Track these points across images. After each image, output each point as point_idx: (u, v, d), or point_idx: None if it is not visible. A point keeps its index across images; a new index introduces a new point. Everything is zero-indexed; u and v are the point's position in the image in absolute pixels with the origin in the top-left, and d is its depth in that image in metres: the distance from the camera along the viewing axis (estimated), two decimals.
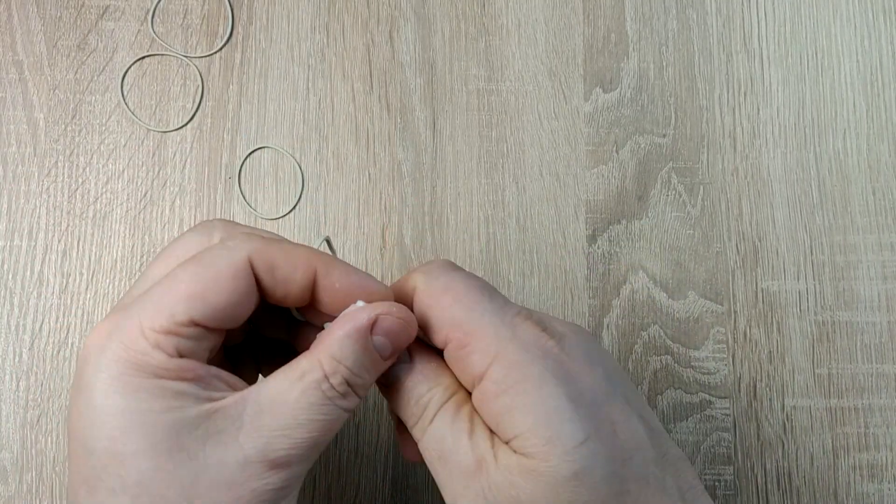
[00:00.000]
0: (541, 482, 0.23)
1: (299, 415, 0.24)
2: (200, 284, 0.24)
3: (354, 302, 0.27)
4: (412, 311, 0.27)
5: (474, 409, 0.26)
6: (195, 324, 0.24)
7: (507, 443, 0.25)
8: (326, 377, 0.25)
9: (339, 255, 0.42)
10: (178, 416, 0.23)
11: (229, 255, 0.25)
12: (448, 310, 0.26)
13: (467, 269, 0.28)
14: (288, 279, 0.26)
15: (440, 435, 0.25)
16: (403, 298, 0.27)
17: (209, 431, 0.24)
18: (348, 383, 0.25)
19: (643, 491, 0.25)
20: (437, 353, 0.27)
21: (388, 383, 0.27)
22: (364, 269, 0.28)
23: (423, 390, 0.26)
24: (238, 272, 0.25)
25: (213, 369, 0.25)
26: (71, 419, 0.24)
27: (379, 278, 0.35)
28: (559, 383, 0.24)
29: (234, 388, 0.26)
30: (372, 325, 0.25)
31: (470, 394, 0.26)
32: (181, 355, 0.24)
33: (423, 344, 0.27)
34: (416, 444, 0.29)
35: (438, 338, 0.26)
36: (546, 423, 0.24)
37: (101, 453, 0.23)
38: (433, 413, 0.26)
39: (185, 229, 0.42)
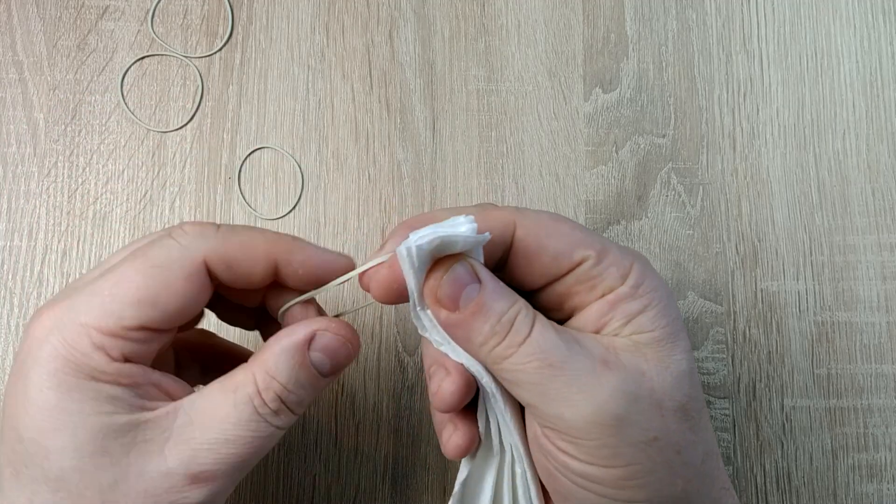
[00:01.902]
0: (669, 371, 0.25)
1: (228, 430, 0.24)
2: (152, 289, 0.24)
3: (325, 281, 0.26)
4: (512, 241, 0.26)
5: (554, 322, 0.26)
6: (144, 328, 0.24)
7: (629, 336, 0.26)
8: (259, 392, 0.25)
9: None
10: (107, 421, 0.23)
11: (182, 257, 0.25)
12: (571, 235, 0.26)
13: None
14: (248, 274, 0.26)
15: (549, 345, 0.25)
16: (493, 228, 0.26)
17: (136, 440, 0.24)
18: (281, 400, 0.25)
19: (706, 408, 0.27)
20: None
21: (454, 313, 0.25)
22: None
23: (505, 306, 0.25)
24: (192, 274, 0.25)
25: (155, 375, 0.25)
26: (7, 403, 0.24)
27: None
28: (673, 296, 0.27)
29: (173, 397, 0.25)
30: (309, 341, 0.25)
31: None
32: (126, 359, 0.24)
33: (488, 271, 0.26)
34: (467, 433, 0.29)
35: (567, 261, 0.26)
36: (674, 325, 0.26)
37: (28, 443, 0.23)
38: (528, 328, 0.25)
39: None
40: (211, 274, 0.25)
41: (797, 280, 0.42)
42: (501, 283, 0.26)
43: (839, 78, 0.44)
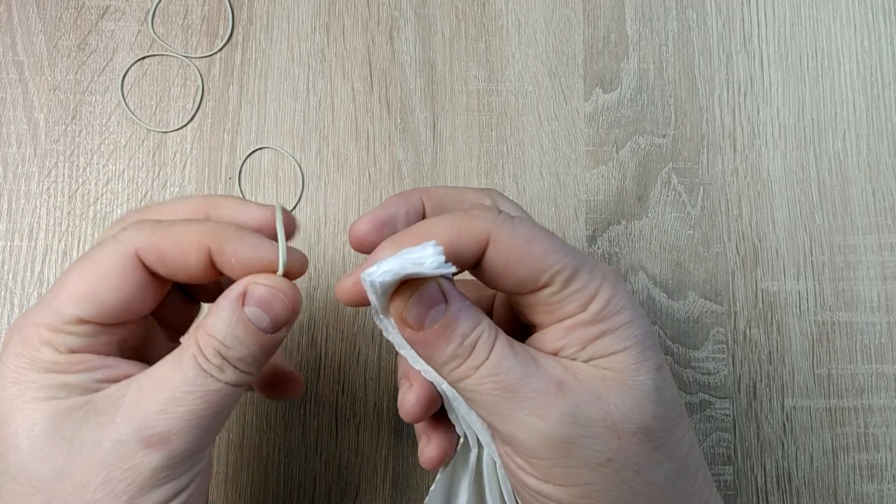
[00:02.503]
0: (630, 393, 0.25)
1: (176, 388, 0.25)
2: (88, 284, 0.25)
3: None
4: (482, 257, 0.26)
5: (517, 342, 0.26)
6: (85, 321, 0.25)
7: (587, 361, 0.26)
8: (200, 350, 0.25)
9: (340, 258, 0.42)
10: (59, 403, 0.24)
11: (114, 251, 0.25)
12: (543, 257, 0.25)
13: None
14: (182, 265, 0.26)
15: (505, 367, 0.25)
16: (465, 245, 0.25)
17: (88, 414, 0.25)
18: (221, 356, 0.25)
19: (683, 420, 0.27)
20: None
21: (419, 332, 0.26)
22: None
23: (468, 329, 0.25)
24: (125, 268, 0.25)
25: (110, 360, 0.26)
26: None
27: None
28: (643, 315, 0.27)
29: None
30: (242, 297, 0.26)
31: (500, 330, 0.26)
32: (72, 351, 0.25)
33: (456, 290, 0.26)
34: (439, 445, 0.29)
35: (531, 286, 0.26)
36: (639, 346, 0.26)
37: None
38: (488, 349, 0.25)
39: None
40: (149, 268, 0.26)
41: (798, 280, 0.42)
42: (467, 302, 0.26)
43: (839, 78, 0.44)
